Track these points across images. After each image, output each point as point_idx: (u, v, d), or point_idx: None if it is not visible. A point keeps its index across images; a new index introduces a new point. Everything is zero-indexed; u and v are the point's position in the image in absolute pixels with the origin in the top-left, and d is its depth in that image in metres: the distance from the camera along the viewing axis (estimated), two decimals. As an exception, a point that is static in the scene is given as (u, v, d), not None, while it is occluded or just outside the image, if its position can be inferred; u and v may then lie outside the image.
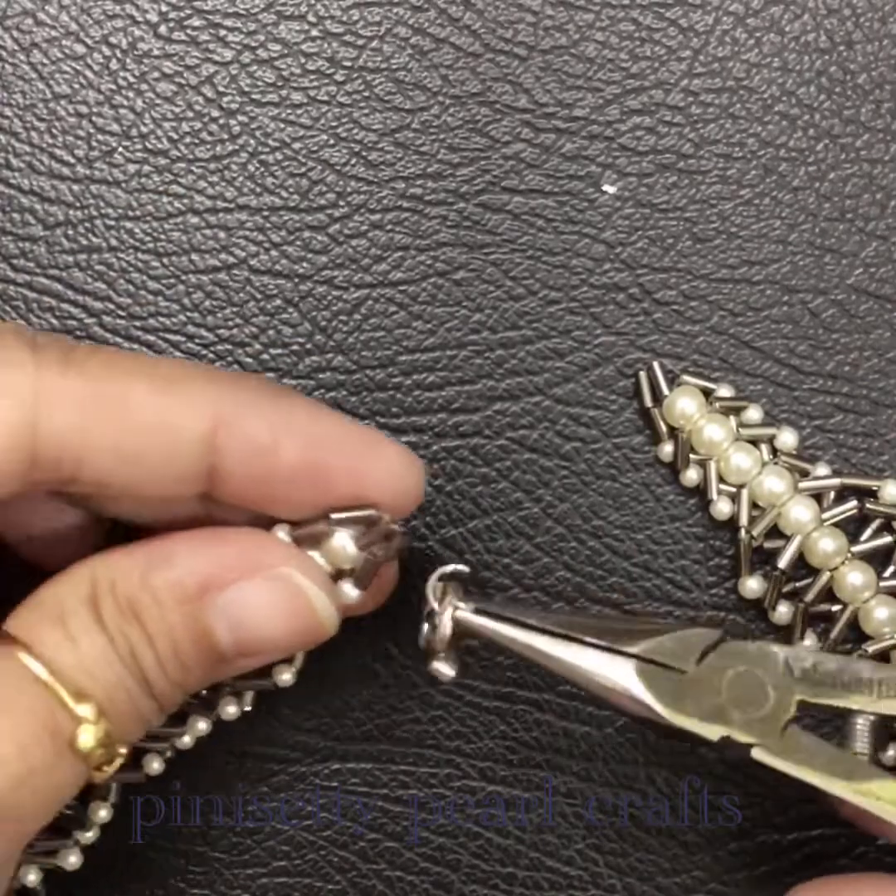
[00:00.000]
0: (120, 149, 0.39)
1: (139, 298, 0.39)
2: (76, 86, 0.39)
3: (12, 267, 0.39)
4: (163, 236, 0.39)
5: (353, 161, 0.39)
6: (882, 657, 0.37)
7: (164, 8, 0.39)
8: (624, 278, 0.39)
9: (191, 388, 0.32)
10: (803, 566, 0.38)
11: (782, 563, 0.38)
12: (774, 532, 0.38)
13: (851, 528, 0.38)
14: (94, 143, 0.39)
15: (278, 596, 0.33)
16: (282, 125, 0.39)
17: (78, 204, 0.39)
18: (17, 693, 0.31)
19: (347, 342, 0.39)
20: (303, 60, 0.40)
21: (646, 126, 0.39)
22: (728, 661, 0.34)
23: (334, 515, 0.33)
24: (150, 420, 0.32)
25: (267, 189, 0.39)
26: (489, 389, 0.39)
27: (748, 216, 0.39)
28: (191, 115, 0.39)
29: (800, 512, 0.38)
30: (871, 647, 0.37)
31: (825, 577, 0.38)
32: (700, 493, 0.39)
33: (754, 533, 0.38)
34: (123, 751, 0.32)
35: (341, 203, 0.39)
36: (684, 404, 0.39)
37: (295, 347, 0.39)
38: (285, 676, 0.36)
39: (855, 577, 0.38)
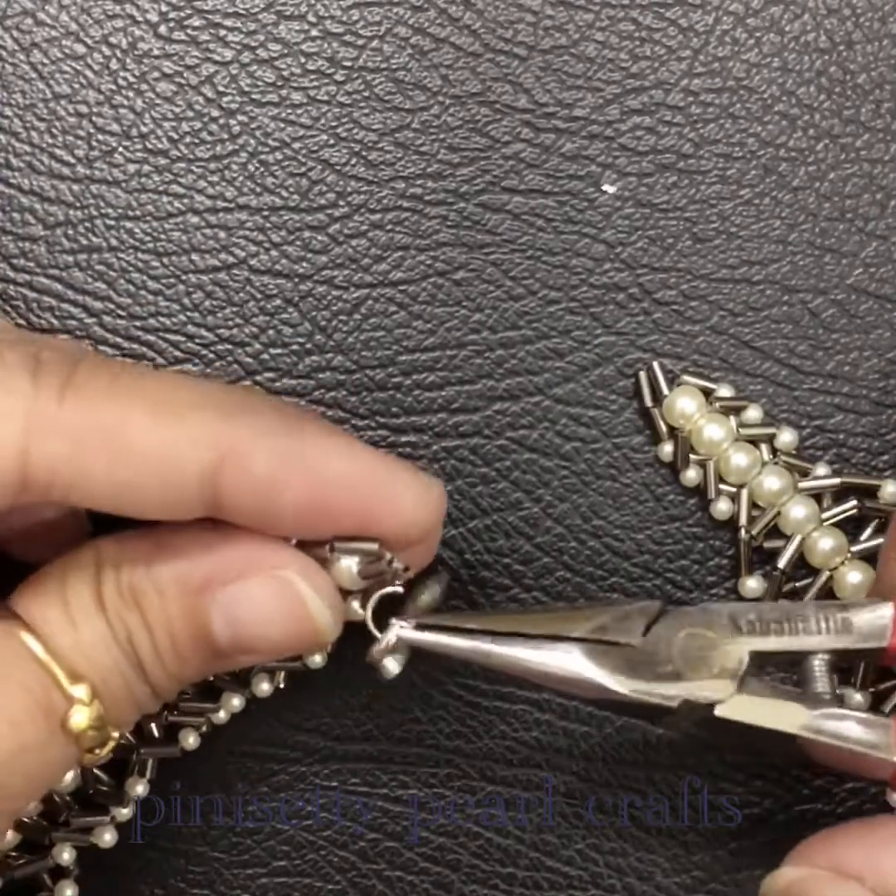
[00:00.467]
0: (120, 149, 0.39)
1: (139, 298, 0.39)
2: (76, 86, 0.39)
3: (12, 267, 0.39)
4: (163, 236, 0.39)
5: (353, 161, 0.39)
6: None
7: (164, 8, 0.39)
8: (624, 278, 0.39)
9: (195, 418, 0.32)
10: (803, 566, 0.38)
11: (782, 562, 0.38)
12: (774, 532, 0.38)
13: (851, 528, 0.38)
14: (94, 143, 0.39)
15: (277, 597, 0.33)
16: (282, 125, 0.39)
17: (78, 204, 0.39)
18: (13, 670, 0.31)
19: (347, 342, 0.39)
20: (303, 60, 0.40)
21: (646, 126, 0.39)
22: (673, 627, 0.34)
23: (338, 544, 0.33)
24: (149, 452, 0.31)
25: (267, 189, 0.39)
26: (489, 389, 0.39)
27: (748, 216, 0.39)
28: (191, 115, 0.39)
29: (799, 512, 0.38)
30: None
31: (825, 576, 0.38)
32: (700, 493, 0.39)
33: (754, 533, 0.38)
34: (115, 735, 0.33)
35: (341, 203, 0.39)
36: (684, 404, 0.39)
37: (295, 347, 0.39)
38: (316, 659, 0.37)
39: (854, 577, 0.38)
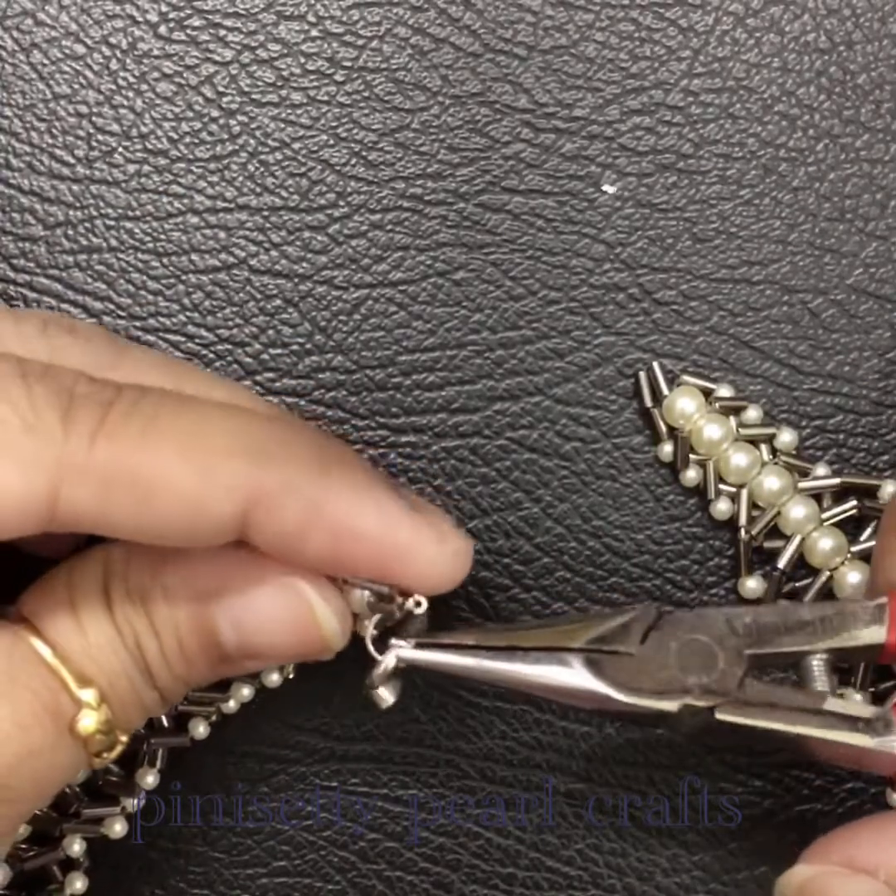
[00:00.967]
0: (120, 149, 0.39)
1: (139, 298, 0.39)
2: (76, 86, 0.39)
3: (12, 267, 0.39)
4: (163, 236, 0.39)
5: (353, 161, 0.39)
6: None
7: (164, 8, 0.39)
8: (624, 278, 0.39)
9: (229, 468, 0.31)
10: (803, 566, 0.38)
11: (782, 562, 0.38)
12: (774, 532, 0.38)
13: (851, 528, 0.38)
14: (94, 143, 0.39)
15: (284, 603, 0.33)
16: (282, 125, 0.39)
17: (78, 204, 0.39)
18: (22, 673, 0.31)
19: (347, 342, 0.39)
20: (303, 60, 0.40)
21: (646, 126, 0.39)
22: (671, 633, 0.34)
23: (351, 579, 0.33)
24: (179, 501, 0.31)
25: (267, 189, 0.39)
26: (489, 389, 0.39)
27: (748, 216, 0.39)
28: (191, 115, 0.39)
29: (799, 512, 0.38)
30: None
31: (825, 576, 0.38)
32: (700, 493, 0.39)
33: (754, 533, 0.38)
34: (124, 739, 0.33)
35: (341, 203, 0.39)
36: (684, 404, 0.39)
37: (295, 347, 0.39)
38: (274, 677, 0.37)
39: (854, 577, 0.38)
